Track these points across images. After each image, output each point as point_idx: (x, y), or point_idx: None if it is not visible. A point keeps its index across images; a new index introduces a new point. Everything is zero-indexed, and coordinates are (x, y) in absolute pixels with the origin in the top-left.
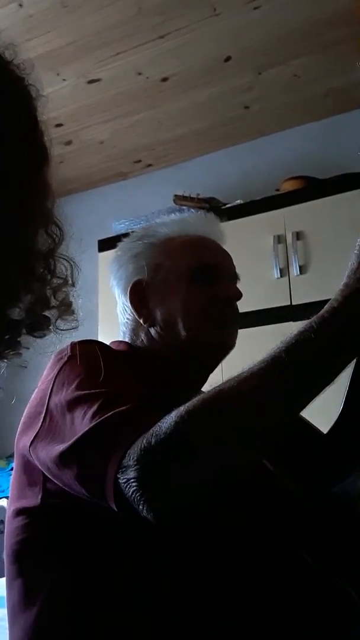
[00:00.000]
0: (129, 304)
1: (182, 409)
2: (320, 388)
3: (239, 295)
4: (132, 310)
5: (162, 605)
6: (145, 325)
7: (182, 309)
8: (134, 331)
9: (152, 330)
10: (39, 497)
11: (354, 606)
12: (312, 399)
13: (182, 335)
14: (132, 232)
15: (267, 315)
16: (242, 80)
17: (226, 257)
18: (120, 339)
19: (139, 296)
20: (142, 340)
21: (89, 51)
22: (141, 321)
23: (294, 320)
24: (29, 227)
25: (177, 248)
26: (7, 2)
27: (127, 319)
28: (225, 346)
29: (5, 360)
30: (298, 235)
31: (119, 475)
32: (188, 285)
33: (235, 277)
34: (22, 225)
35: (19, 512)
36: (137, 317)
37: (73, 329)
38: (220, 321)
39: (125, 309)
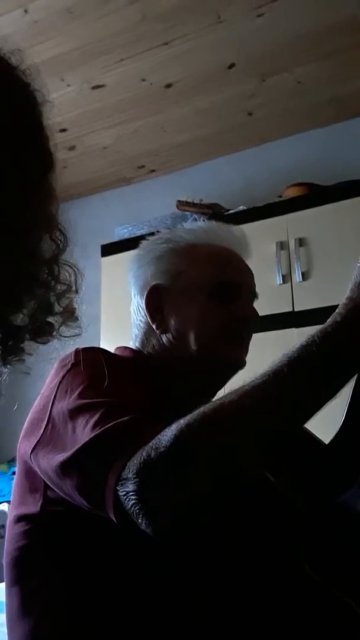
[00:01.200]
0: (143, 306)
1: (182, 422)
2: (322, 402)
3: (256, 317)
4: (146, 314)
5: (161, 614)
6: (157, 332)
7: (197, 322)
8: (146, 335)
9: (164, 337)
10: (39, 504)
11: (356, 619)
12: (314, 413)
13: (193, 349)
14: (157, 232)
15: (269, 321)
16: (245, 87)
17: (249, 276)
18: (126, 345)
19: (155, 301)
20: (153, 345)
21: (94, 57)
22: (154, 326)
23: (296, 326)
24: (32, 232)
25: (200, 258)
26: (12, 8)
27: (140, 320)
28: (234, 365)
29: (9, 366)
30: (301, 242)
31: (118, 488)
32: (207, 299)
33: (254, 296)
34: (25, 230)
35: (19, 519)
36: (150, 321)
37: (76, 335)
38: (234, 340)
39: (139, 310)
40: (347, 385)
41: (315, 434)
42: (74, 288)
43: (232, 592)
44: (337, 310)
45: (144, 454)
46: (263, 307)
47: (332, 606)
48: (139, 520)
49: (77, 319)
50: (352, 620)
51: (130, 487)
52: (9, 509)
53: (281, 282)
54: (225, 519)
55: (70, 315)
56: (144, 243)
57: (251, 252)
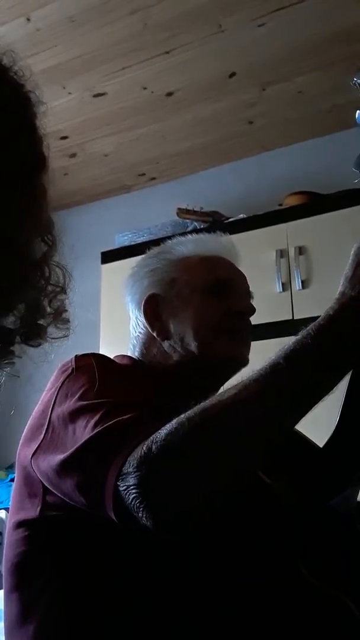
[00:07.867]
0: (142, 319)
1: (182, 416)
2: (319, 395)
3: (252, 310)
4: (146, 324)
5: (161, 617)
6: (158, 339)
7: (195, 320)
8: (145, 345)
9: (166, 344)
10: (38, 509)
11: (353, 619)
12: (311, 407)
13: (194, 348)
14: (149, 249)
15: (268, 329)
16: (246, 95)
17: (241, 275)
18: (124, 353)
19: (152, 309)
20: (154, 354)
21: (95, 65)
22: (154, 334)
23: (296, 334)
24: (22, 234)
25: (192, 264)
26: (15, 16)
27: (140, 332)
28: (236, 359)
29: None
30: (300, 250)
31: (119, 483)
32: (202, 298)
33: (249, 294)
34: (15, 231)
35: (18, 524)
36: (150, 330)
37: (64, 337)
38: (233, 334)
39: (138, 323)
40: (344, 384)
41: (310, 437)
42: (64, 289)
43: (227, 593)
44: (331, 305)
45: (144, 447)
46: (262, 315)
47: (329, 605)
48: (140, 514)
49: (68, 320)
50: (349, 619)
51: (131, 481)
52: (6, 515)
53: (281, 290)
54: (221, 519)
55: (61, 316)
56: (136, 262)
57: (241, 259)
